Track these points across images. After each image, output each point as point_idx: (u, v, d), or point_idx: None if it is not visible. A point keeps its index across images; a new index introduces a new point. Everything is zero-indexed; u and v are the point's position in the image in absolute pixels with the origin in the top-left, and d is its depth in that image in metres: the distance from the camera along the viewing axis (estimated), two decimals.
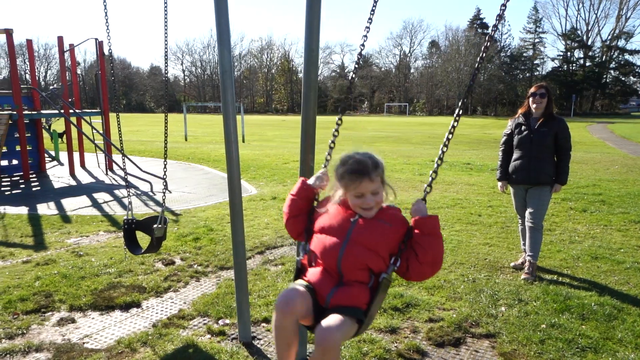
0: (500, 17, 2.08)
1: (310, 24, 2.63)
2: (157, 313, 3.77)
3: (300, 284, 1.91)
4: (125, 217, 3.93)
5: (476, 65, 2.10)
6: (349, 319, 1.76)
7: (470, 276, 4.45)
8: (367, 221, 1.91)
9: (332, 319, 1.72)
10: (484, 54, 2.09)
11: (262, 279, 4.42)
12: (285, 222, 2.13)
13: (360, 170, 1.91)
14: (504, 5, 2.02)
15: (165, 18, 3.62)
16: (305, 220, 2.08)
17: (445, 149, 2.01)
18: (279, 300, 1.82)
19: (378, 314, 3.68)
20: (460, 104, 2.11)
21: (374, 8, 2.44)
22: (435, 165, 1.98)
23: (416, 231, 1.88)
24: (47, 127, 14.00)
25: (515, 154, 4.56)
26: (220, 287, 4.25)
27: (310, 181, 2.16)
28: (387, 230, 1.89)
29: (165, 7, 3.59)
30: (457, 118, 2.05)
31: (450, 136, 2.00)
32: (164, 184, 3.82)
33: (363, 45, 2.44)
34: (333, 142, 2.29)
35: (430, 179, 1.98)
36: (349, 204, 1.95)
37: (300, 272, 2.05)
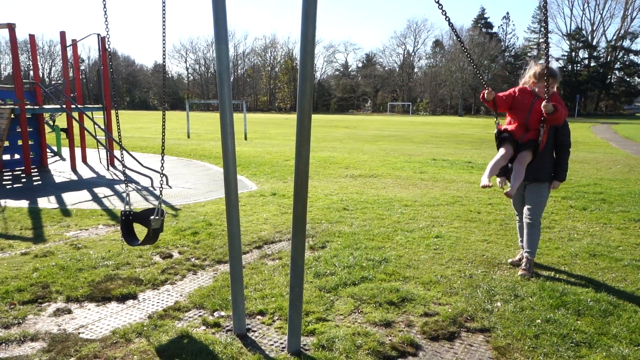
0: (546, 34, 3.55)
1: (306, 14, 2.62)
2: (153, 305, 3.78)
3: (503, 143, 4.06)
4: (122, 209, 3.94)
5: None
6: (530, 150, 3.93)
7: (467, 272, 4.44)
8: (539, 101, 3.79)
9: (523, 152, 3.96)
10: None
11: (259, 273, 4.43)
12: (497, 111, 4.14)
13: (552, 74, 3.68)
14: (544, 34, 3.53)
15: (163, 10, 3.62)
16: (495, 108, 4.09)
17: None
18: (499, 154, 4.05)
19: (373, 307, 3.69)
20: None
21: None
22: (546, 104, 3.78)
23: (548, 119, 3.80)
24: (52, 122, 14.02)
25: None
26: (217, 280, 4.26)
27: (487, 97, 4.00)
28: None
29: (164, 5, 3.59)
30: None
31: None
32: (161, 175, 3.83)
33: None
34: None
35: (546, 102, 3.70)
36: (536, 90, 3.93)
37: (499, 132, 4.10)
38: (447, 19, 3.23)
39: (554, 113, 3.68)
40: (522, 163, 3.91)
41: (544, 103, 3.65)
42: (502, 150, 4.03)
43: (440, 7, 3.02)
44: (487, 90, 3.96)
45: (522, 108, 3.98)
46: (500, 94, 4.10)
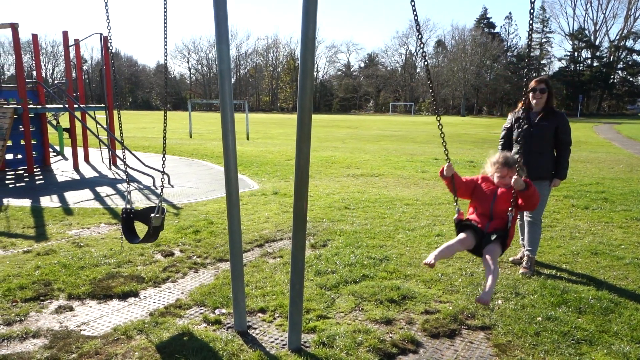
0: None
1: (306, 11, 2.63)
2: (154, 302, 3.79)
3: (465, 230, 3.28)
4: (123, 207, 3.95)
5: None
6: (498, 243, 3.13)
7: (468, 270, 4.44)
8: (503, 189, 3.29)
9: (491, 246, 3.12)
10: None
11: (260, 271, 4.43)
12: (456, 195, 3.42)
13: (508, 163, 3.30)
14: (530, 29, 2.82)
15: (165, 9, 3.63)
16: (453, 189, 3.37)
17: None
18: (457, 238, 3.24)
19: (374, 305, 3.69)
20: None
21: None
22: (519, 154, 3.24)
23: (520, 198, 3.13)
24: (55, 122, 14.04)
25: (515, 148, 4.55)
26: (218, 278, 4.27)
27: (445, 173, 3.29)
28: (511, 192, 3.14)
29: (165, 5, 3.60)
30: None
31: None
32: (162, 174, 3.84)
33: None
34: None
35: (518, 160, 3.22)
36: (494, 180, 3.37)
37: (459, 222, 3.36)
38: (421, 45, 3.10)
39: (525, 190, 3.06)
40: (494, 258, 3.05)
41: (514, 177, 3.05)
42: (461, 235, 3.26)
43: (417, 27, 2.96)
44: (446, 165, 3.28)
45: (485, 197, 3.34)
46: (462, 177, 3.42)
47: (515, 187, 3.04)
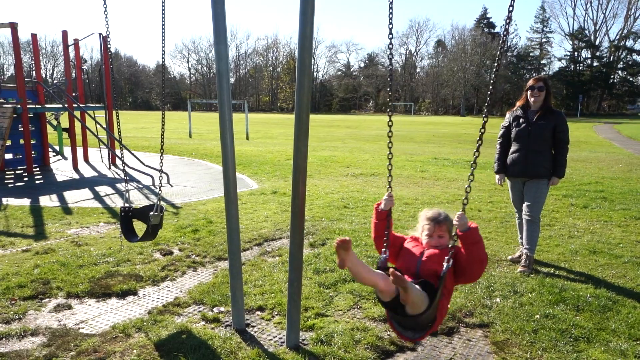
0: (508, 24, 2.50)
1: (304, 9, 2.64)
2: (153, 301, 3.79)
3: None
4: (122, 206, 3.96)
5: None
6: (424, 290, 2.32)
7: None
8: (434, 252, 2.56)
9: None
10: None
11: (259, 269, 4.44)
12: (373, 239, 2.78)
13: (435, 220, 2.62)
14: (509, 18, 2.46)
15: (163, 7, 3.64)
16: (386, 228, 2.67)
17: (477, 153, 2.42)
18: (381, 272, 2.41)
19: (372, 303, 3.70)
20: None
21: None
22: (469, 181, 2.39)
23: (461, 244, 2.40)
24: (56, 122, 14.02)
25: (513, 147, 4.56)
26: (216, 276, 4.27)
27: (383, 206, 2.68)
28: (443, 254, 2.46)
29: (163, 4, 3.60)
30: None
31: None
32: (161, 172, 3.85)
33: None
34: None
35: (466, 192, 2.39)
36: (423, 240, 2.65)
37: (384, 269, 2.53)
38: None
39: (467, 232, 2.36)
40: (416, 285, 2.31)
41: (458, 213, 2.38)
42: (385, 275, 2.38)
43: (390, 46, 2.85)
44: (386, 196, 2.68)
45: (412, 256, 2.62)
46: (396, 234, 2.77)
47: (458, 225, 2.39)
